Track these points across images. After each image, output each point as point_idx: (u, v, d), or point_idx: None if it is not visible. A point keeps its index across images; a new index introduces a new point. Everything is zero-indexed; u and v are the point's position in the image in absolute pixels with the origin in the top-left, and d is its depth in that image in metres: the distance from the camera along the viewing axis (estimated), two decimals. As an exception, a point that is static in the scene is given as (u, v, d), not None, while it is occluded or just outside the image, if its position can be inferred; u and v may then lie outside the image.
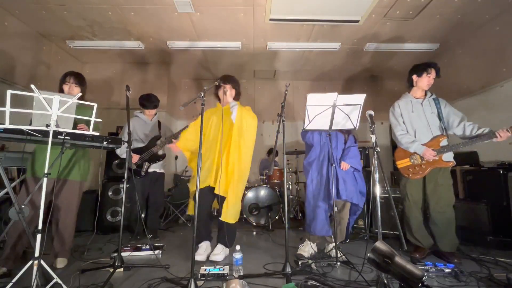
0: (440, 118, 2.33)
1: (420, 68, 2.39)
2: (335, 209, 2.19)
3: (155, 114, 3.12)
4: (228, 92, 2.39)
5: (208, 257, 2.23)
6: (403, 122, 2.41)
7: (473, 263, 2.16)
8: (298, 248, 2.39)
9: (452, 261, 2.13)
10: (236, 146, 2.27)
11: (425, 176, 2.32)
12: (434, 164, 2.26)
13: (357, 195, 2.28)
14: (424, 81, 2.36)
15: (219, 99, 2.48)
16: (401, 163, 2.39)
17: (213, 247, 2.32)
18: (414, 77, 2.42)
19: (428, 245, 2.33)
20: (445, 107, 2.36)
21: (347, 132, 2.44)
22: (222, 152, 2.25)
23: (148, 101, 3.00)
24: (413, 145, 2.30)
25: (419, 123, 2.35)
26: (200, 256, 2.19)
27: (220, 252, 2.23)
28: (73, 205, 2.16)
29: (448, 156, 2.27)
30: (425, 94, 2.43)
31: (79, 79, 2.21)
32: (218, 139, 2.30)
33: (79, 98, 2.14)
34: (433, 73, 2.35)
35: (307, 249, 2.35)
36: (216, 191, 2.18)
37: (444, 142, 2.28)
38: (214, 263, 2.10)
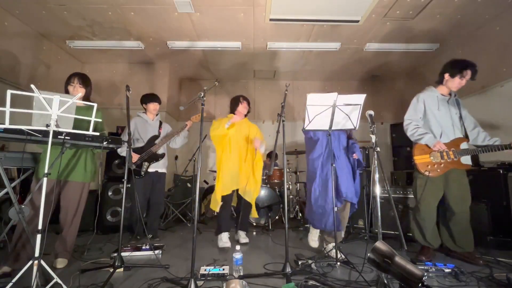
0: (461, 119, 2.31)
1: (456, 68, 2.25)
2: (335, 209, 2.19)
3: (157, 115, 3.13)
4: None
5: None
6: (421, 118, 2.34)
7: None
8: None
9: (478, 263, 2.11)
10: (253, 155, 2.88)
11: (448, 177, 2.27)
12: (453, 165, 2.23)
13: (355, 194, 2.30)
14: (456, 83, 2.27)
15: (233, 113, 2.90)
16: (420, 159, 2.29)
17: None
18: (446, 75, 2.30)
19: (437, 246, 2.32)
20: (463, 110, 2.34)
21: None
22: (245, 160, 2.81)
23: (150, 96, 3.04)
24: (426, 137, 2.25)
25: (446, 122, 2.29)
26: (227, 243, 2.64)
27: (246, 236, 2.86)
28: (76, 206, 2.16)
29: (467, 159, 2.26)
30: (450, 94, 2.38)
31: (84, 80, 2.22)
32: (241, 149, 2.80)
33: (83, 98, 2.17)
34: (468, 76, 2.24)
35: (316, 237, 2.47)
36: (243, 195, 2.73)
37: (464, 145, 2.26)
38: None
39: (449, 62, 2.32)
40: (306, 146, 2.60)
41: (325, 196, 2.29)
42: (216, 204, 2.68)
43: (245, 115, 2.96)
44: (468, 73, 2.23)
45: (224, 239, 2.65)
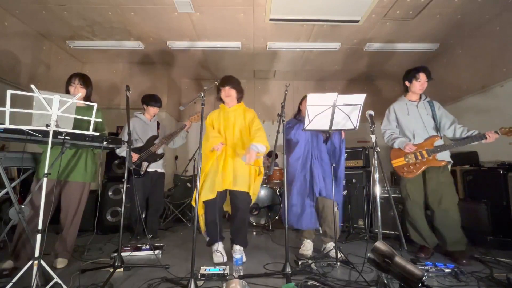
0: (434, 119, 2.40)
1: (410, 75, 2.46)
2: (335, 209, 2.19)
3: (154, 115, 3.14)
4: (231, 94, 2.42)
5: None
6: (396, 126, 2.52)
7: (474, 263, 2.16)
8: (299, 249, 2.39)
9: (461, 262, 2.11)
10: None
11: (425, 175, 2.36)
12: (428, 163, 2.30)
13: (332, 192, 2.25)
14: (416, 86, 2.43)
15: (223, 101, 2.49)
16: (396, 162, 2.44)
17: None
18: (407, 83, 2.51)
19: (433, 244, 2.36)
20: (439, 109, 2.44)
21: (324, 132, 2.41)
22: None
23: (153, 100, 3.04)
24: (397, 140, 2.42)
25: (416, 124, 2.41)
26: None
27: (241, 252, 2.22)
28: (76, 206, 2.16)
29: (442, 156, 2.31)
30: (420, 98, 2.50)
31: (84, 80, 2.23)
32: (230, 142, 2.36)
33: (84, 98, 2.17)
34: (423, 78, 2.40)
35: (309, 247, 2.37)
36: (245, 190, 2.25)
37: (438, 142, 2.33)
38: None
39: (405, 72, 2.53)
40: (285, 146, 2.56)
41: (304, 196, 2.33)
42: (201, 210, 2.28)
43: (239, 101, 2.51)
44: (421, 75, 2.41)
45: (218, 249, 2.19)
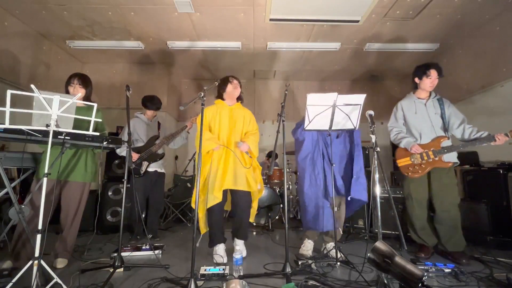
0: (443, 118, 2.36)
1: (420, 71, 2.40)
2: (335, 208, 2.19)
3: (155, 116, 3.15)
4: (238, 89, 2.44)
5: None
6: (403, 124, 2.48)
7: (474, 263, 2.16)
8: (299, 249, 2.39)
9: (461, 262, 2.11)
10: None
11: (430, 175, 2.34)
12: (434, 164, 2.28)
13: (349, 189, 2.23)
14: (426, 83, 2.37)
15: (221, 98, 2.45)
16: (402, 162, 2.41)
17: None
18: (416, 79, 2.44)
19: (433, 244, 2.35)
20: (448, 108, 2.38)
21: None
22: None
23: (151, 103, 3.05)
24: (403, 140, 2.38)
25: (423, 124, 2.37)
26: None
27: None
28: (76, 206, 2.16)
29: (449, 157, 2.27)
30: (430, 95, 2.45)
31: (84, 80, 2.23)
32: (231, 140, 2.32)
33: (84, 99, 2.17)
34: (433, 74, 2.34)
35: (309, 247, 2.36)
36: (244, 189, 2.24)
37: (445, 143, 2.29)
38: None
39: (415, 68, 2.47)
40: (295, 148, 2.57)
41: (318, 196, 2.26)
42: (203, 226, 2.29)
43: (238, 100, 2.49)
44: (432, 72, 2.34)
45: (219, 252, 2.21)
